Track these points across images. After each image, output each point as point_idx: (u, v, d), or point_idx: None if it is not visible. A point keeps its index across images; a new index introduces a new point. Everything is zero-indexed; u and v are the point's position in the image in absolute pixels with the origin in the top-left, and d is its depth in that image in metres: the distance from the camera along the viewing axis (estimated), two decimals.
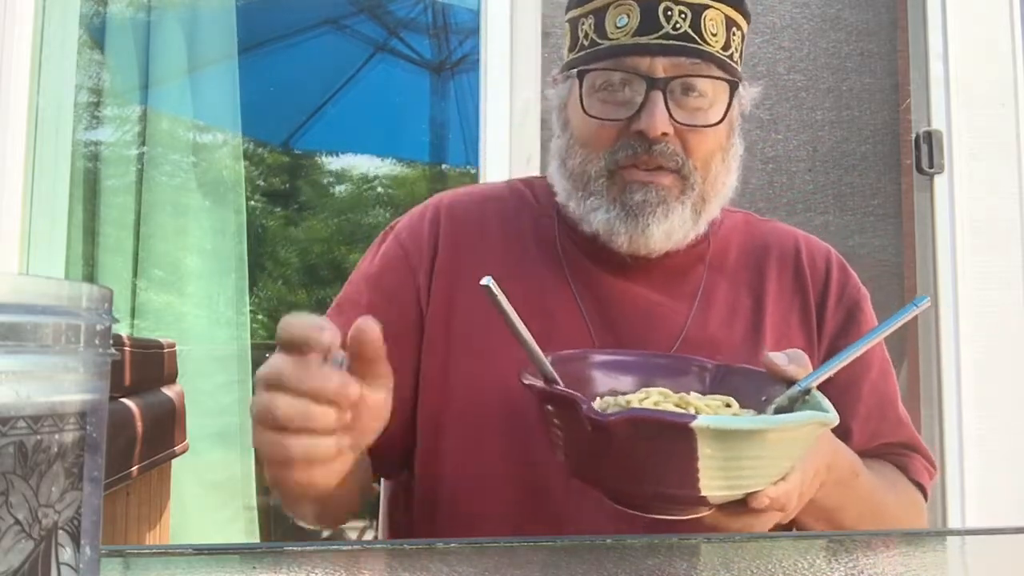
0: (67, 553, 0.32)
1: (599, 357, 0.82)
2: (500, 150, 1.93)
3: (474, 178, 2.10)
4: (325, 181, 6.17)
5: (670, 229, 0.90)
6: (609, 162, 0.90)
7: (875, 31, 2.19)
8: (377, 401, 0.68)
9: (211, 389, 2.40)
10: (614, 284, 0.95)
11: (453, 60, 4.16)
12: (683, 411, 0.68)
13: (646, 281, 0.95)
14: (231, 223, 2.48)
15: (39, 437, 0.31)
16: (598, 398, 0.74)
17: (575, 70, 0.92)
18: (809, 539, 0.74)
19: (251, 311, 2.83)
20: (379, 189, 6.18)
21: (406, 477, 0.97)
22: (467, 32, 3.81)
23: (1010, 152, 2.04)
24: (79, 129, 2.33)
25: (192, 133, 2.54)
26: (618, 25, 0.89)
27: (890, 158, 2.18)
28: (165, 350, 2.14)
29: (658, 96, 0.87)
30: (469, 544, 0.64)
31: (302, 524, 0.85)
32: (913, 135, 2.10)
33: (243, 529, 2.40)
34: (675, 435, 0.59)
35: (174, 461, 2.16)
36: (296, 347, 0.63)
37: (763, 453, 0.62)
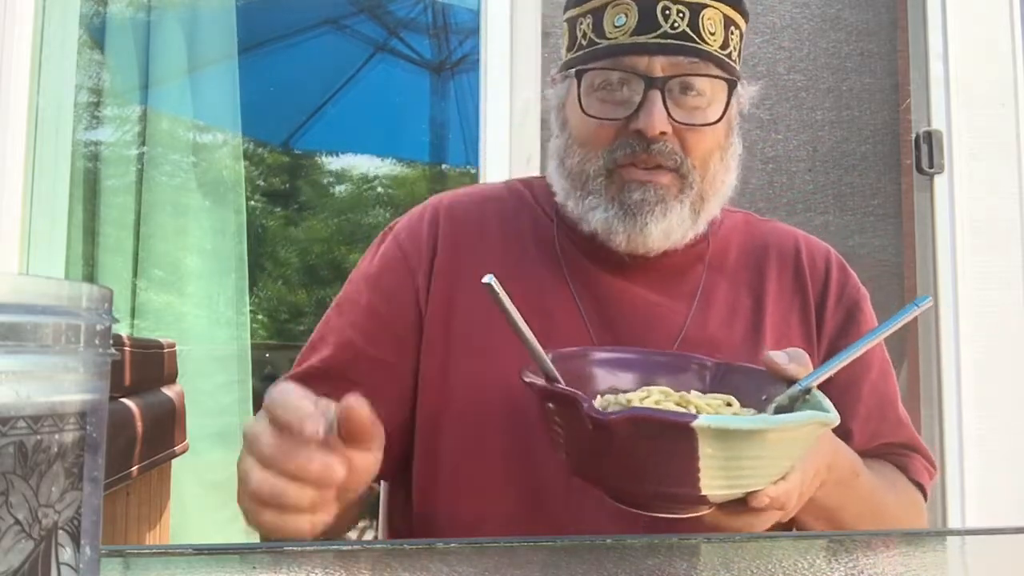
0: (67, 553, 0.32)
1: (600, 355, 0.82)
2: (500, 150, 1.93)
3: (474, 178, 2.10)
4: (325, 181, 6.17)
5: (668, 228, 0.90)
6: (608, 161, 0.90)
7: (875, 31, 2.19)
8: (367, 463, 0.65)
9: (211, 389, 2.40)
10: (612, 284, 0.95)
11: (453, 60, 4.16)
12: (684, 410, 0.68)
13: (645, 281, 0.95)
14: (231, 223, 2.48)
15: (39, 437, 0.31)
16: (599, 396, 0.74)
17: (573, 69, 0.92)
18: (809, 539, 0.74)
19: (251, 311, 2.84)
20: (379, 189, 6.19)
21: (405, 478, 0.97)
22: (467, 32, 3.82)
23: (1010, 152, 2.04)
24: (79, 129, 2.34)
25: (192, 133, 2.54)
26: (616, 24, 0.89)
27: (890, 158, 2.18)
28: (165, 350, 2.14)
29: (656, 95, 0.87)
30: (469, 544, 0.64)
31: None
32: (913, 135, 2.10)
33: (243, 529, 2.39)
34: (676, 434, 0.59)
35: (174, 461, 2.16)
36: (281, 427, 0.62)
37: (764, 453, 0.62)
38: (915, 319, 0.72)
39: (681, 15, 0.87)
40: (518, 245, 0.98)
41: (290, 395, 0.64)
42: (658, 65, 0.88)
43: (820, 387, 0.71)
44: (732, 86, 0.91)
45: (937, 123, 2.05)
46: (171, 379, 2.18)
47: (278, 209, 5.99)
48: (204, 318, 2.46)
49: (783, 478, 0.66)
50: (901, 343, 2.08)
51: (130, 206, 2.40)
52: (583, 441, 0.65)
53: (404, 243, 0.99)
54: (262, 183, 5.82)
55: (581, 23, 0.92)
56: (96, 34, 2.45)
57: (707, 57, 0.89)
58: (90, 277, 2.34)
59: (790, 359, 0.74)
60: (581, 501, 0.85)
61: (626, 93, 0.89)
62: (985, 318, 1.99)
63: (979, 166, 2.03)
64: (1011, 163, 2.03)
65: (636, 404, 0.69)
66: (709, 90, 0.90)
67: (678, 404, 0.71)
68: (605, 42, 0.89)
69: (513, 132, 1.94)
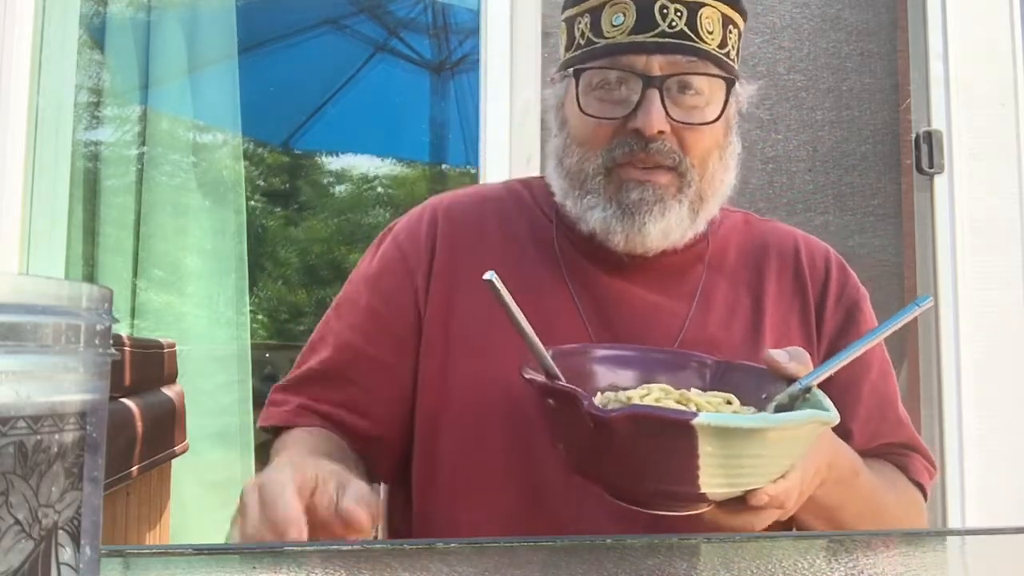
0: (67, 553, 0.32)
1: (600, 352, 0.82)
2: (500, 150, 1.93)
3: (474, 178, 2.10)
4: (325, 181, 6.18)
5: (667, 228, 0.90)
6: (606, 160, 0.90)
7: (875, 31, 2.19)
8: (360, 521, 0.67)
9: (211, 389, 2.40)
10: (611, 284, 0.95)
11: (453, 60, 4.16)
12: (684, 408, 0.68)
13: (644, 281, 0.95)
14: (231, 223, 2.48)
15: (39, 437, 0.31)
16: (599, 393, 0.74)
17: (571, 69, 0.92)
18: (809, 539, 0.74)
19: (251, 311, 2.83)
20: (379, 189, 6.19)
21: (405, 478, 0.97)
22: (467, 32, 3.82)
23: (1010, 152, 2.03)
24: (79, 129, 2.34)
25: (192, 133, 2.54)
26: (614, 24, 0.89)
27: (890, 158, 2.18)
28: (165, 350, 2.14)
29: (654, 94, 0.87)
30: (469, 544, 0.64)
31: None
32: (913, 135, 2.10)
33: None
34: (676, 432, 0.59)
35: (174, 461, 2.16)
36: (267, 523, 0.64)
37: (763, 451, 0.62)
38: (915, 319, 0.72)
39: (679, 14, 0.87)
40: (517, 245, 0.98)
41: (283, 494, 0.65)
42: (656, 64, 0.88)
43: (820, 387, 0.71)
44: (730, 85, 0.91)
45: (937, 123, 2.05)
46: (171, 379, 2.18)
47: (278, 209, 6.00)
48: (204, 318, 2.46)
49: (783, 477, 0.66)
50: (901, 343, 2.08)
51: (130, 206, 2.40)
52: (583, 438, 0.65)
53: (403, 244, 0.99)
54: (262, 183, 5.83)
55: (579, 23, 0.92)
56: (96, 34, 2.45)
57: (705, 56, 0.89)
58: (90, 277, 2.34)
59: (790, 358, 0.74)
60: (581, 499, 0.85)
61: (624, 92, 0.89)
62: (985, 318, 1.98)
63: (979, 166, 2.03)
64: (1011, 163, 2.03)
65: (636, 401, 0.70)
66: (707, 89, 0.90)
67: (678, 402, 0.71)
68: (603, 41, 0.89)
69: (513, 132, 1.94)
